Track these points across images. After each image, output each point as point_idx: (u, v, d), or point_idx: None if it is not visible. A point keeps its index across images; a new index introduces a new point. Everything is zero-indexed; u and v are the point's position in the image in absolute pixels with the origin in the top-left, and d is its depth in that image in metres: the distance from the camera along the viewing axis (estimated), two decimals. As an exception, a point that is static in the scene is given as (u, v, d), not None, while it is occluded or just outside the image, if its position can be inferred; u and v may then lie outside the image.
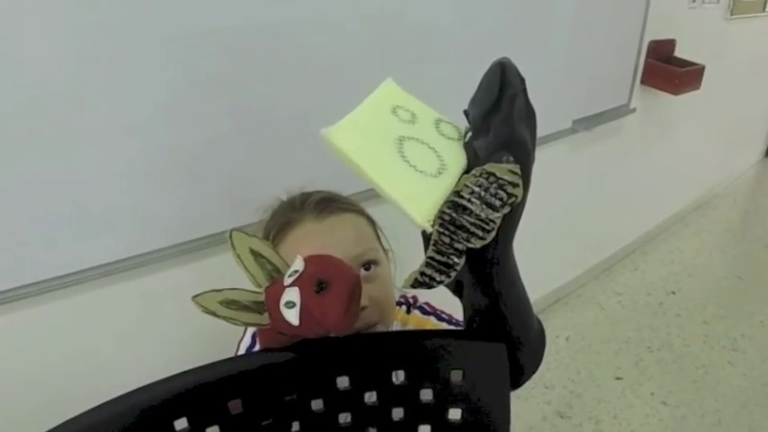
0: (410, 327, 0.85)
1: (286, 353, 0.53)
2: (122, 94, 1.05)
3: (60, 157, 1.01)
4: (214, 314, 0.50)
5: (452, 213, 0.44)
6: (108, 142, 1.06)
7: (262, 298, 0.52)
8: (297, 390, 0.54)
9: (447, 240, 0.45)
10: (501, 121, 0.46)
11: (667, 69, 2.48)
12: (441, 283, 0.46)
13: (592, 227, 2.69)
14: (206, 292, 0.51)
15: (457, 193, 0.45)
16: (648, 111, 2.62)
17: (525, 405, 2.05)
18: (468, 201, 0.44)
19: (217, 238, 1.25)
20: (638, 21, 2.28)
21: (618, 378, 2.24)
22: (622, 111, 2.41)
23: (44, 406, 0.99)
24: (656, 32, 2.44)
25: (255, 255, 0.54)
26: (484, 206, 0.44)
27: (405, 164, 0.45)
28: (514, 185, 0.44)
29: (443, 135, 0.50)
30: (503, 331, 0.54)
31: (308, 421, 0.55)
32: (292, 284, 0.51)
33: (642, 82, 2.50)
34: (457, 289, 0.56)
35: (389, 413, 0.57)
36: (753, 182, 4.21)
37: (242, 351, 0.79)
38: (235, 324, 0.51)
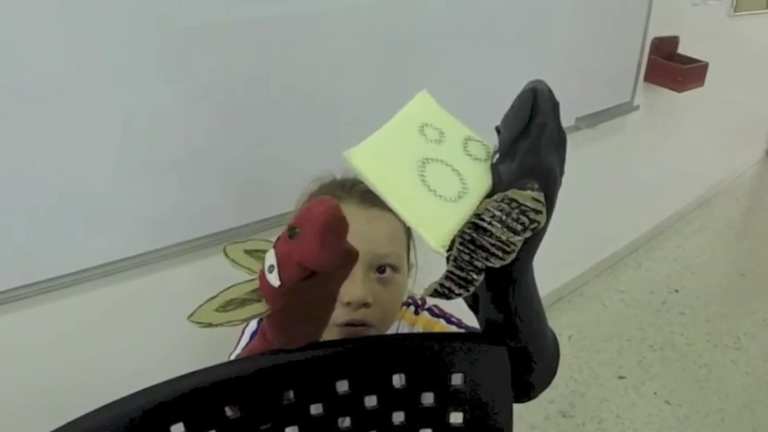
0: (418, 327, 0.85)
1: (285, 355, 0.53)
2: (122, 93, 1.04)
3: (59, 156, 1.01)
4: (210, 325, 0.49)
5: (473, 234, 0.45)
6: (107, 141, 1.05)
7: (258, 284, 0.51)
8: (296, 394, 0.53)
9: (467, 258, 0.45)
10: (528, 148, 0.45)
11: (670, 66, 2.47)
12: (459, 296, 0.47)
13: (594, 225, 2.68)
14: (200, 306, 0.49)
15: (478, 215, 0.44)
16: (652, 108, 2.61)
17: (527, 404, 2.02)
18: (489, 224, 0.44)
19: (218, 237, 1.25)
20: (641, 17, 2.27)
21: (621, 377, 2.23)
22: (625, 108, 2.40)
23: (42, 407, 0.99)
24: (660, 29, 2.43)
25: (250, 253, 0.53)
26: (505, 229, 0.44)
27: (425, 188, 0.45)
28: (537, 212, 0.44)
29: (470, 155, 0.49)
30: (517, 345, 0.54)
31: (308, 426, 0.55)
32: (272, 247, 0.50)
33: (645, 79, 2.49)
34: (473, 302, 0.55)
35: (390, 417, 0.56)
36: (755, 179, 4.20)
37: (240, 349, 0.79)
38: (234, 325, 0.50)
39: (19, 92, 0.94)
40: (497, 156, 0.49)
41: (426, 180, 0.45)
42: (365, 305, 0.71)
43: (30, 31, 0.92)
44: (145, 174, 1.12)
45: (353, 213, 0.75)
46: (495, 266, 0.45)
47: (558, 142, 0.47)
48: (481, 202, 0.45)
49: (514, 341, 0.54)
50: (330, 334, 0.72)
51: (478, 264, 0.45)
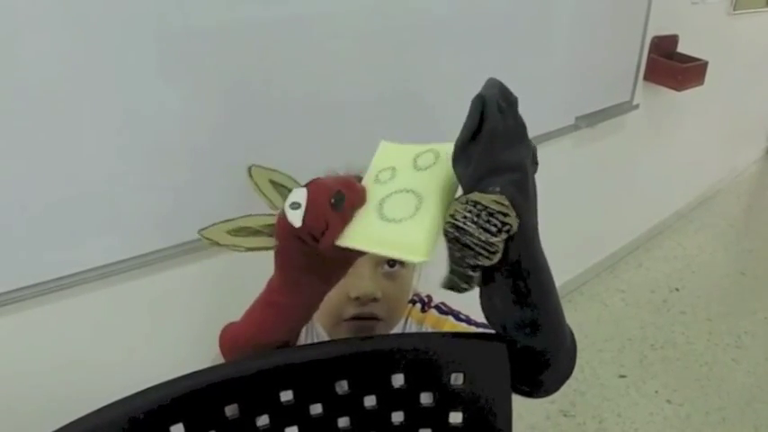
0: (426, 325, 0.85)
1: (285, 356, 0.53)
2: (123, 93, 1.04)
3: (58, 155, 1.01)
4: (217, 244, 0.48)
5: (455, 232, 0.46)
6: (108, 141, 1.05)
7: (275, 220, 0.50)
8: (295, 394, 0.53)
9: (458, 255, 0.47)
10: (481, 151, 0.47)
11: (670, 65, 2.47)
12: (465, 290, 0.49)
13: (595, 224, 2.68)
14: (214, 224, 0.49)
15: (451, 216, 0.46)
16: (651, 107, 2.61)
17: (528, 404, 2.03)
18: (464, 224, 0.46)
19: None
20: (641, 16, 2.27)
21: (622, 376, 2.23)
22: (625, 107, 2.40)
23: (42, 409, 0.99)
24: (659, 28, 2.43)
25: (275, 185, 0.53)
26: (481, 230, 0.45)
27: (385, 222, 0.49)
28: (504, 214, 0.45)
29: (420, 169, 0.52)
30: (539, 345, 0.55)
31: (307, 426, 0.55)
32: (304, 186, 0.49)
33: (645, 78, 2.49)
34: (490, 303, 0.55)
35: (389, 417, 0.56)
36: (756, 178, 4.20)
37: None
38: (237, 251, 0.49)
39: (20, 92, 0.94)
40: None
41: (385, 215, 0.49)
42: (374, 299, 0.71)
43: (30, 32, 0.92)
44: (146, 174, 1.12)
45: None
46: (485, 265, 0.47)
47: (517, 137, 0.49)
48: (449, 205, 0.47)
49: (539, 340, 0.55)
50: (339, 329, 0.72)
51: (470, 261, 0.47)
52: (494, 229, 0.45)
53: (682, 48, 2.58)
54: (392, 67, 1.42)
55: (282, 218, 0.49)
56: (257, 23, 1.16)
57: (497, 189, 0.45)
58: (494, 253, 0.46)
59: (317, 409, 0.55)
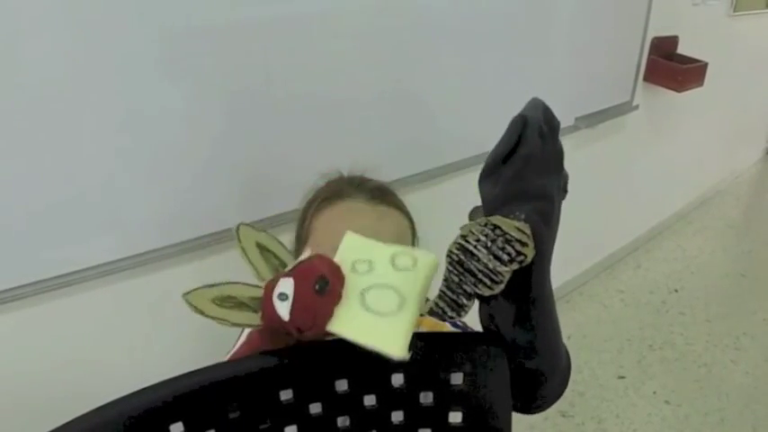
0: (423, 329, 0.85)
1: (284, 355, 0.53)
2: (124, 92, 1.04)
3: (58, 154, 1.01)
4: (203, 314, 0.48)
5: (460, 255, 0.44)
6: (109, 140, 1.05)
7: (261, 293, 0.50)
8: (295, 393, 0.53)
9: (456, 280, 0.45)
10: (512, 176, 0.45)
11: (670, 66, 2.47)
12: (452, 318, 0.48)
13: (594, 224, 2.68)
14: (198, 288, 0.49)
15: (463, 237, 0.44)
16: (651, 108, 2.61)
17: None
18: (475, 248, 0.44)
19: (220, 236, 1.24)
20: (641, 17, 2.27)
21: (620, 377, 2.23)
22: (625, 108, 2.40)
23: (41, 408, 0.99)
24: (659, 29, 2.43)
25: (261, 248, 0.52)
26: (491, 257, 0.43)
27: (369, 314, 0.50)
28: (523, 244, 0.43)
29: (399, 269, 0.54)
30: (533, 364, 0.54)
31: (307, 425, 0.55)
32: (287, 275, 0.50)
33: (645, 79, 2.49)
34: (489, 322, 0.55)
35: (389, 416, 0.56)
36: (755, 179, 4.20)
37: (241, 342, 0.79)
38: (224, 324, 0.49)
39: (20, 92, 0.94)
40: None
41: (369, 306, 0.51)
42: None
43: (31, 32, 0.92)
44: (146, 173, 1.12)
45: (362, 210, 0.76)
46: (484, 294, 0.45)
47: (553, 165, 0.47)
48: (464, 225, 0.46)
49: (533, 359, 0.54)
50: None
51: (467, 288, 0.45)
52: (505, 258, 0.43)
53: (682, 49, 2.58)
54: (393, 67, 1.42)
55: (269, 304, 0.49)
56: (258, 23, 1.16)
57: (522, 216, 0.43)
58: (497, 283, 0.44)
59: (316, 408, 0.55)
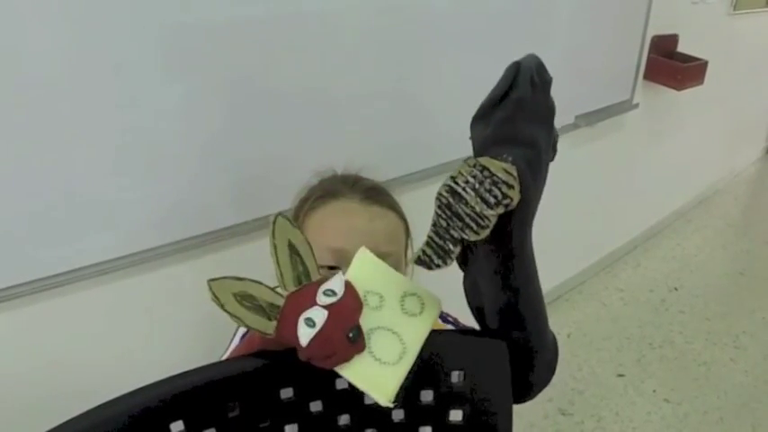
0: None
1: (284, 354, 0.53)
2: (121, 91, 1.04)
3: (56, 153, 1.00)
4: (221, 306, 0.47)
5: (449, 198, 0.45)
6: (106, 139, 1.05)
7: (280, 302, 0.50)
8: (295, 391, 0.53)
9: (444, 224, 0.46)
10: (502, 119, 0.46)
11: (670, 65, 2.46)
12: (438, 266, 0.48)
13: (593, 223, 2.68)
14: (226, 278, 0.48)
15: (452, 178, 0.45)
16: (651, 106, 2.61)
17: (527, 402, 2.04)
18: (463, 190, 0.44)
19: (216, 235, 1.24)
20: (641, 16, 2.26)
21: (620, 375, 2.23)
22: (625, 106, 2.40)
23: (39, 407, 0.99)
24: (659, 27, 2.42)
25: (292, 249, 0.51)
26: (478, 199, 0.44)
27: (370, 358, 0.51)
28: (509, 186, 0.44)
29: (407, 313, 0.55)
30: (521, 336, 0.54)
31: (307, 423, 0.54)
32: (326, 306, 0.49)
33: (645, 77, 2.49)
34: (474, 294, 0.55)
35: (389, 415, 0.56)
36: (755, 178, 4.20)
37: (236, 343, 0.78)
38: (237, 323, 0.49)
39: (19, 91, 0.94)
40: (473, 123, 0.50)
41: (372, 351, 0.51)
42: None
43: (30, 31, 0.92)
44: (143, 171, 1.11)
45: (356, 210, 0.76)
46: (470, 239, 0.46)
47: (543, 115, 0.49)
48: (457, 167, 0.47)
49: (518, 329, 0.54)
50: None
51: (454, 233, 0.46)
52: (492, 201, 0.44)
53: (682, 47, 2.58)
54: (390, 66, 1.42)
55: (292, 322, 0.49)
56: (257, 21, 1.15)
57: (509, 159, 0.44)
58: (483, 228, 0.45)
59: (317, 406, 0.55)
